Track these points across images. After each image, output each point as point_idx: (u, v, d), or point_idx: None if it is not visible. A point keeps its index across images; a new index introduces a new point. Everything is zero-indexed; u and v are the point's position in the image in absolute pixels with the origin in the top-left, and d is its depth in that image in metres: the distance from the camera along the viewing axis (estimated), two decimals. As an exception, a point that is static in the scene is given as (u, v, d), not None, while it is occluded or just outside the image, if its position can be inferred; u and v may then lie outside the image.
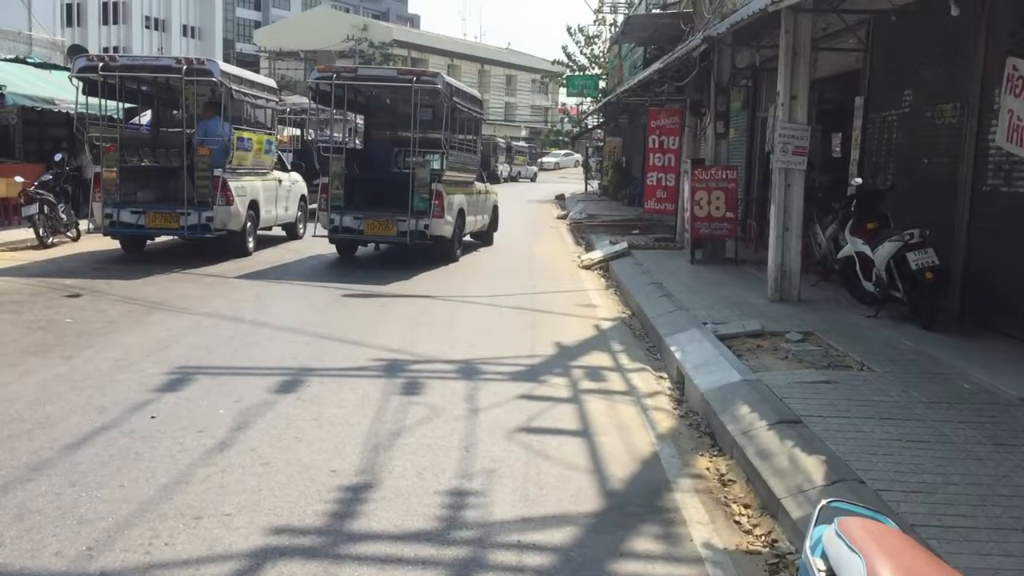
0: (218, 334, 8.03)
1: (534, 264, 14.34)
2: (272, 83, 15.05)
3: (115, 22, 55.99)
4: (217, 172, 12.47)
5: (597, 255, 14.44)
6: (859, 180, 10.11)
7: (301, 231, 16.51)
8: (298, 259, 13.82)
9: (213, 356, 7.17)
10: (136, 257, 13.08)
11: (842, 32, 10.93)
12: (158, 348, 7.34)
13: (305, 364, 6.96)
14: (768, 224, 14.66)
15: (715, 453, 5.23)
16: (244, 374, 6.65)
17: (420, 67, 68.09)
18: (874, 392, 5.80)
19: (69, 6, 52.10)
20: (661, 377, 7.11)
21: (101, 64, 12.23)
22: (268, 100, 14.49)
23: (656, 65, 14.34)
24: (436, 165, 13.09)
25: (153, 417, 5.43)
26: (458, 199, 13.62)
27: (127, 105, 14.85)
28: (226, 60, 66.65)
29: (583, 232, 19.22)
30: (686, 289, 10.37)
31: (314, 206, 21.35)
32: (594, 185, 38.75)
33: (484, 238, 16.33)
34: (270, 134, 14.54)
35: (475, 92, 16.55)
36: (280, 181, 15.03)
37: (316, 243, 15.53)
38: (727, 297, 9.81)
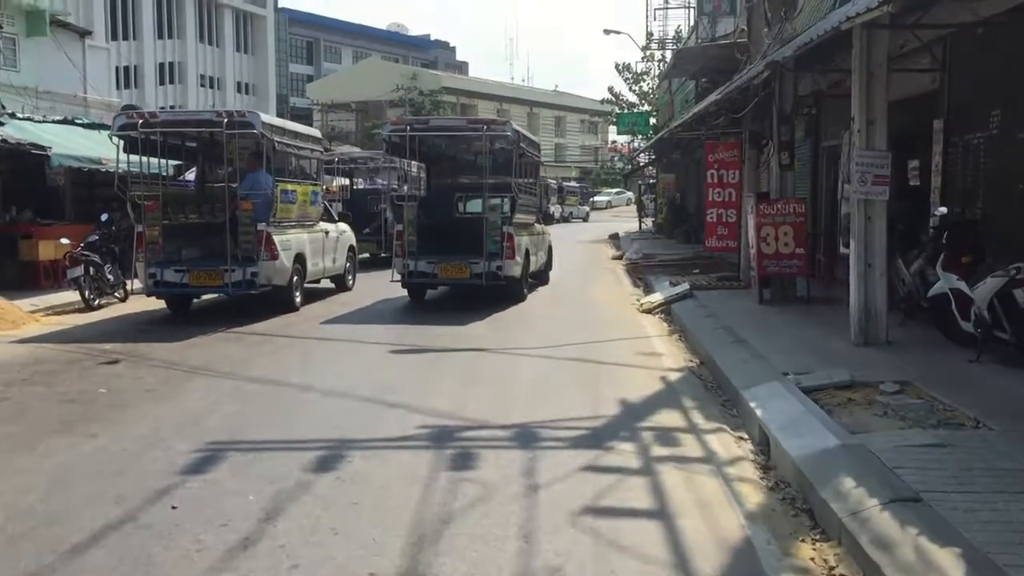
0: (259, 401, 7.49)
1: (592, 309, 13.64)
2: (316, 133, 14.73)
3: (171, 82, 57.22)
4: (261, 226, 12.09)
5: (657, 298, 13.69)
6: (943, 210, 9.30)
7: (350, 282, 16.08)
8: (347, 312, 13.33)
9: (250, 428, 6.62)
10: (182, 317, 12.73)
11: (915, 52, 10.15)
12: (192, 420, 6.81)
13: (348, 435, 6.36)
14: (837, 259, 13.85)
15: (818, 537, 4.46)
16: (281, 449, 6.07)
17: (470, 112, 69.14)
18: (999, 457, 4.98)
19: (127, 68, 53.56)
20: (741, 438, 6.34)
21: (141, 121, 12.01)
22: (313, 150, 14.14)
23: (712, 96, 13.67)
24: (506, 209, 13.51)
25: (174, 508, 4.85)
26: (524, 240, 14.08)
27: (174, 162, 14.67)
28: (280, 115, 67.69)
29: (640, 273, 18.48)
30: (758, 333, 9.58)
31: (365, 255, 21.40)
32: (648, 223, 37.96)
33: (542, 277, 16.58)
34: (316, 185, 14.18)
35: (533, 136, 16.94)
36: (327, 232, 14.63)
37: (365, 294, 15.16)
38: (805, 341, 9.00)
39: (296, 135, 13.52)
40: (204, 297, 13.45)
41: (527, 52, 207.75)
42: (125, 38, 54.23)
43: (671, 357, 9.51)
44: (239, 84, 63.41)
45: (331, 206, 20.63)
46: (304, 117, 76.42)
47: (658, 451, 5.99)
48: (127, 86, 52.87)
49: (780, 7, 12.35)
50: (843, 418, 6.06)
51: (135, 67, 54.68)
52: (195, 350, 9.93)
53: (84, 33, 32.94)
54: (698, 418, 6.90)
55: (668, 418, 6.92)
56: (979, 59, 9.35)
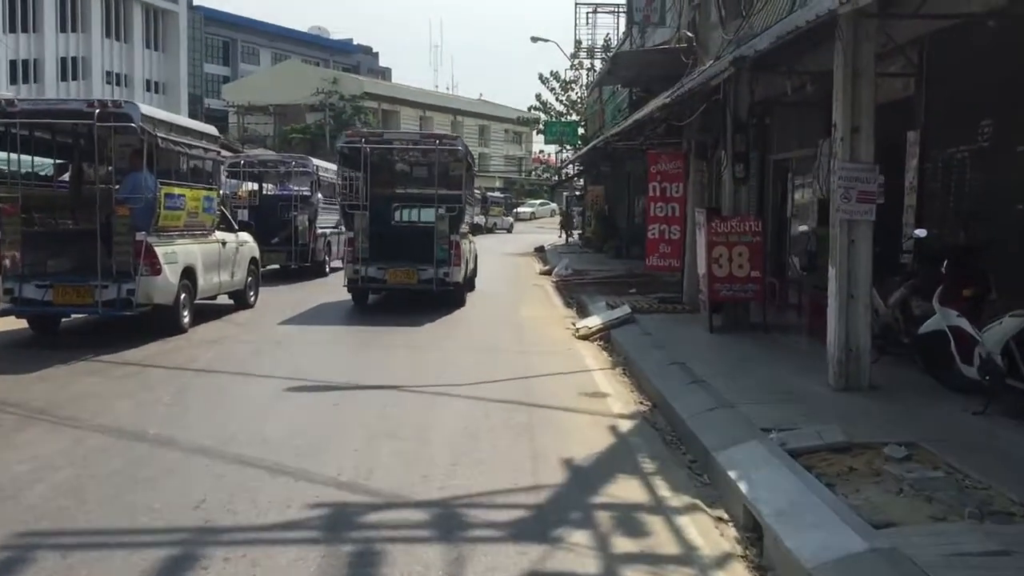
0: (102, 463, 5.82)
1: (522, 334, 12.22)
2: (212, 130, 12.95)
3: (74, 78, 53.88)
4: (140, 236, 10.34)
5: (595, 321, 12.37)
6: (922, 232, 8.20)
7: (252, 298, 14.34)
8: (241, 334, 11.66)
9: (79, 508, 4.97)
10: (44, 340, 10.85)
11: (885, 55, 9.07)
12: (8, 494, 5.13)
13: (212, 519, 4.78)
14: (786, 282, 12.77)
15: None
16: (112, 546, 4.46)
17: (392, 119, 67.35)
18: (1087, 572, 3.73)
19: (24, 62, 50.21)
20: (721, 520, 5.00)
21: (-5, 110, 10.13)
22: (208, 150, 12.37)
23: (658, 101, 12.45)
24: (454, 219, 14.17)
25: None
26: (465, 248, 14.91)
27: (58, 161, 12.71)
28: (193, 115, 64.86)
29: (572, 291, 17.19)
30: (717, 370, 8.30)
31: (275, 266, 19.61)
32: (575, 236, 36.80)
33: (470, 284, 16.42)
34: (210, 189, 12.41)
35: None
36: (224, 243, 12.87)
37: (268, 312, 13.49)
38: (774, 383, 7.75)
39: (187, 131, 11.76)
40: (76, 316, 11.56)
41: (452, 60, 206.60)
42: (24, 30, 50.86)
43: (618, 399, 8.14)
44: (148, 82, 60.28)
45: (234, 213, 18.91)
46: (219, 119, 73.27)
47: (622, 545, 4.58)
48: (24, 80, 49.54)
49: (737, 4, 11.18)
50: (851, 496, 4.77)
51: (34, 61, 51.35)
52: (43, 386, 8.15)
53: (-31, 20, 30.22)
54: (663, 488, 5.52)
55: (626, 488, 5.53)
56: (962, 63, 8.30)
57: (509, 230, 51.27)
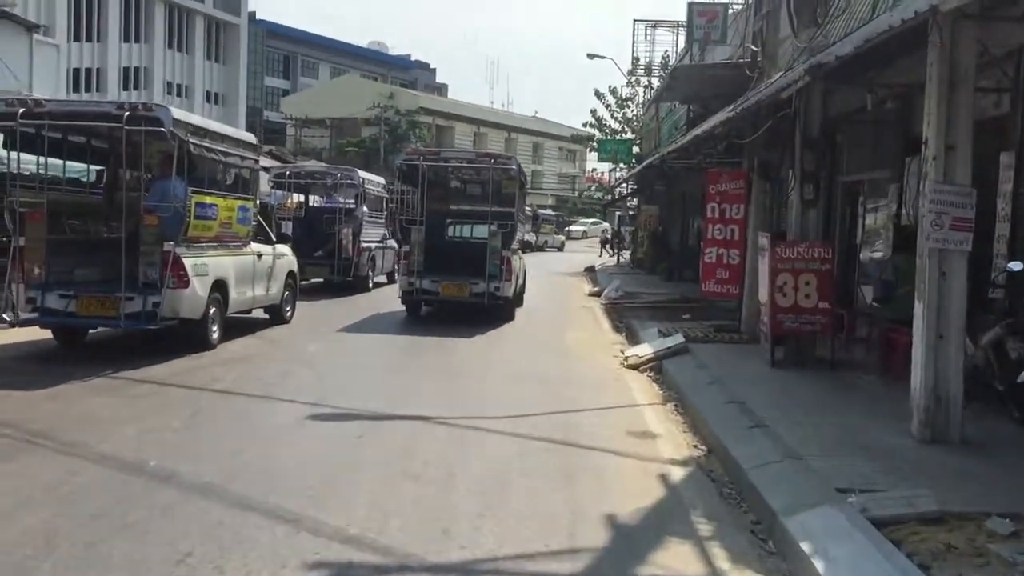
0: (88, 501, 5.19)
1: (567, 361, 11.46)
2: (250, 137, 12.45)
3: (135, 87, 54.62)
4: (168, 246, 9.85)
5: (645, 350, 11.56)
6: (1017, 265, 7.28)
7: (288, 314, 13.82)
8: (272, 352, 11.11)
9: (46, 559, 4.33)
10: (67, 353, 10.40)
11: (979, 67, 8.17)
12: (-29, 537, 4.54)
13: (193, 580, 4.12)
14: (855, 313, 11.80)
15: None
16: (71, 610, 3.82)
17: (446, 134, 67.30)
18: None
19: (87, 71, 51.05)
20: (793, 604, 4.19)
21: (23, 110, 9.71)
22: (244, 158, 11.87)
23: (721, 115, 11.63)
24: (506, 235, 14.63)
25: None
26: (516, 264, 15.28)
27: (96, 167, 12.32)
28: (251, 128, 65.42)
29: (622, 315, 16.38)
30: (781, 413, 7.45)
31: (317, 279, 19.15)
32: (625, 256, 35.87)
33: (518, 300, 16.59)
34: (246, 199, 11.89)
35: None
36: (259, 255, 12.36)
37: (300, 330, 12.94)
38: (848, 430, 6.88)
39: (223, 138, 11.27)
40: (103, 328, 11.09)
41: (508, 77, 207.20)
42: (88, 39, 51.73)
43: (670, 440, 7.33)
44: (208, 93, 60.96)
45: (279, 224, 18.52)
46: (277, 131, 74.16)
47: (673, 636, 3.81)
48: (86, 89, 50.29)
49: (811, 8, 10.33)
50: (954, 586, 3.93)
51: (96, 70, 52.18)
52: (51, 405, 7.62)
53: (31, 27, 30.51)
54: (722, 558, 4.73)
55: (678, 556, 4.74)
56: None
57: (560, 248, 50.58)
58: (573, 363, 11.28)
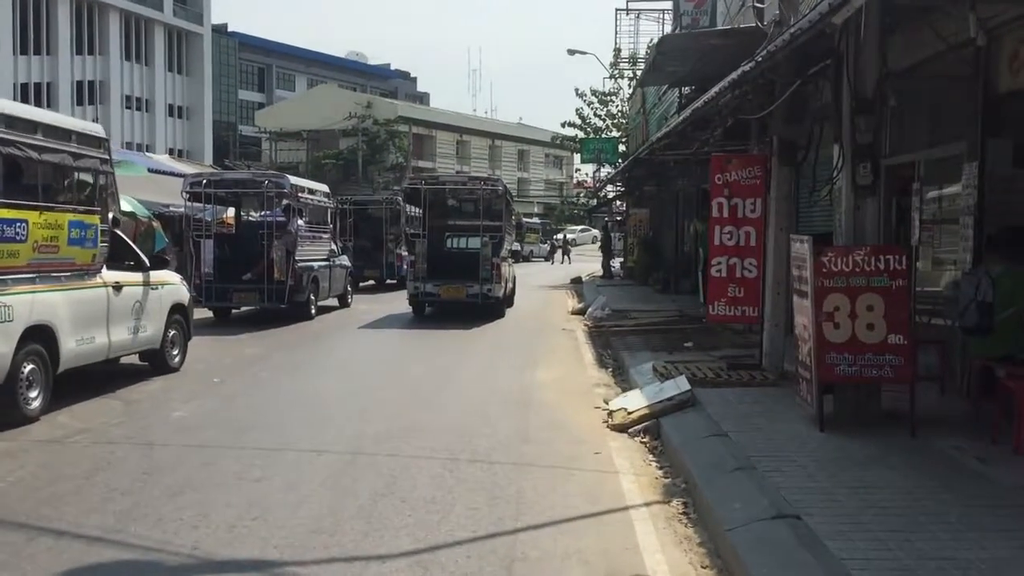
0: None
1: (528, 419, 8.30)
2: (94, 128, 9.14)
3: (91, 103, 51.37)
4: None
5: (637, 400, 8.43)
6: None
7: (176, 359, 10.70)
8: (118, 425, 7.92)
9: None
10: None
11: None
12: None
13: None
14: (944, 346, 8.61)
15: None
16: None
17: (427, 144, 64.17)
18: None
19: (36, 85, 47.92)
20: None
21: None
22: (79, 154, 8.64)
23: (730, 77, 8.50)
24: (495, 245, 17.05)
25: None
26: (505, 270, 17.60)
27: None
28: (223, 143, 62.27)
29: (608, 341, 13.29)
30: (872, 539, 4.34)
31: (251, 307, 16.03)
32: (616, 265, 32.65)
33: (509, 301, 18.73)
34: (87, 212, 8.73)
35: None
36: (118, 288, 9.25)
37: (188, 379, 9.81)
38: (987, 568, 3.78)
39: (37, 127, 8.10)
40: None
41: (491, 84, 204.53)
42: (36, 52, 48.56)
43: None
44: (170, 107, 57.82)
45: (192, 244, 15.49)
46: (251, 146, 70.94)
47: None
48: (37, 104, 47.09)
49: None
50: None
51: (47, 84, 48.98)
52: None
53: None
54: None
55: None
56: None
57: (547, 258, 47.47)
58: (536, 423, 8.12)
